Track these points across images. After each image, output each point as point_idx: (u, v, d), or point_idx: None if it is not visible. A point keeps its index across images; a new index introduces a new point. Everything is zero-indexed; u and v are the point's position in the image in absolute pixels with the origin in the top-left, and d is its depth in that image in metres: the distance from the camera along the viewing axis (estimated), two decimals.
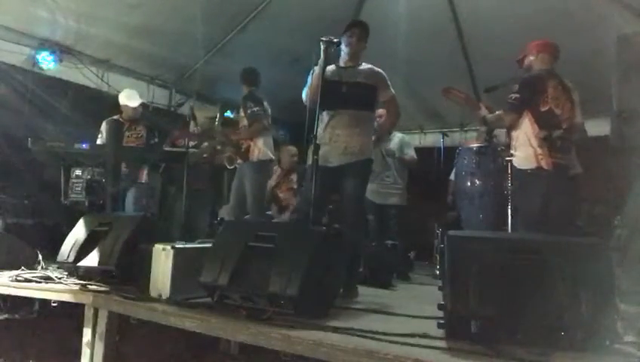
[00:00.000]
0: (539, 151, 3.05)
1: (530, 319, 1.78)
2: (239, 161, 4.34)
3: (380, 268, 3.82)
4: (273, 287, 2.05)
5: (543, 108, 3.09)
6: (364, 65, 3.18)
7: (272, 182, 5.15)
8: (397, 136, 5.01)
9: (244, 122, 4.32)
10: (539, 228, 3.03)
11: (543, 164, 3.04)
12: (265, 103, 4.32)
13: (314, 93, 2.97)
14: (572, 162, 3.14)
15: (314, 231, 2.38)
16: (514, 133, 3.23)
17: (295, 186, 5.30)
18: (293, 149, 5.35)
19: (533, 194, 3.09)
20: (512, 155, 3.28)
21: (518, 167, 3.20)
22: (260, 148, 4.25)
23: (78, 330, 2.50)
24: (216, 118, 4.82)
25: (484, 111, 3.42)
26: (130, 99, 4.64)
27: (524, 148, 3.13)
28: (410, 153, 5.01)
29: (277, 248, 2.19)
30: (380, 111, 3.64)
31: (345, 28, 3.10)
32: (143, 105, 4.86)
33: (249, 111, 4.22)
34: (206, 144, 4.93)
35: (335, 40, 3.00)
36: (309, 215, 2.68)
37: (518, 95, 3.14)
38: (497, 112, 3.35)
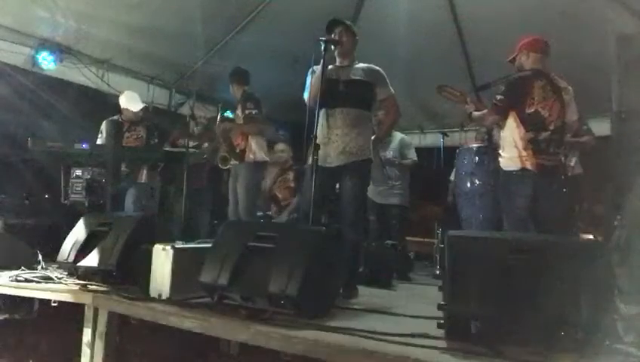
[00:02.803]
0: (523, 153, 3.04)
1: (530, 319, 1.78)
2: (233, 161, 4.34)
3: (380, 268, 3.82)
4: (273, 287, 2.05)
5: (529, 110, 3.07)
6: (361, 64, 3.17)
7: (269, 182, 5.16)
8: (397, 138, 4.98)
9: (240, 122, 4.34)
10: (525, 228, 3.02)
11: (528, 165, 3.03)
12: (261, 105, 4.32)
13: (314, 93, 2.98)
14: (560, 161, 3.10)
15: (314, 231, 2.38)
16: (502, 134, 3.23)
17: (292, 185, 5.30)
18: (280, 145, 5.36)
19: (518, 196, 3.08)
20: (500, 156, 3.28)
21: (504, 168, 3.19)
22: (254, 150, 4.26)
23: (78, 330, 2.50)
24: (216, 118, 4.80)
25: (470, 108, 3.41)
26: (131, 103, 4.60)
27: (509, 150, 3.13)
28: (411, 156, 4.98)
29: (277, 248, 2.19)
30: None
31: (326, 30, 3.06)
32: (144, 108, 4.85)
33: (247, 112, 4.23)
34: (206, 144, 4.93)
35: (335, 38, 3.01)
36: (309, 215, 2.68)
37: (502, 97, 3.13)
38: (483, 111, 3.34)
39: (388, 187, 4.81)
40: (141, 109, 4.67)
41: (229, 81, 4.47)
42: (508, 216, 3.23)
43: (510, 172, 3.13)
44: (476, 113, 3.38)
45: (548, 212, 3.03)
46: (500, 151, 3.25)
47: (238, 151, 4.28)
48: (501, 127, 3.22)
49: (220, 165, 4.44)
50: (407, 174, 4.99)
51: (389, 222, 4.86)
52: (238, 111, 4.37)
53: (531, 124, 3.05)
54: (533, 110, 3.06)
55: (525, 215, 3.06)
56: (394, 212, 4.85)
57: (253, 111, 4.21)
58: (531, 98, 3.06)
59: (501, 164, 3.22)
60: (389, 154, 4.89)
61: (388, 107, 3.30)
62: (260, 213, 4.94)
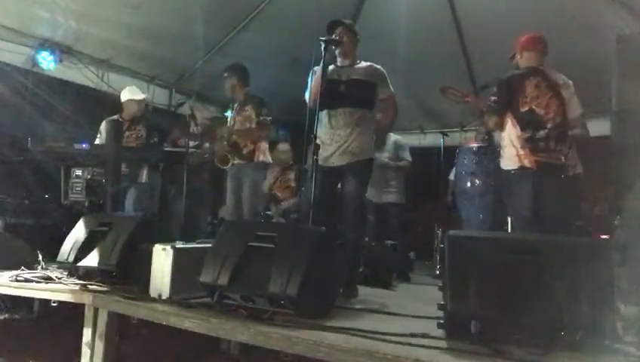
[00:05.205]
0: (520, 151, 3.04)
1: (529, 319, 1.78)
2: (236, 161, 4.29)
3: (380, 268, 3.82)
4: (273, 287, 2.05)
5: (523, 109, 3.06)
6: (363, 63, 3.17)
7: (269, 181, 5.16)
8: (391, 139, 4.96)
9: (248, 123, 4.19)
10: (532, 228, 3.01)
11: (526, 163, 3.02)
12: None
13: (315, 93, 2.98)
14: (562, 159, 3.05)
15: (314, 231, 2.38)
16: (502, 134, 3.23)
17: (293, 185, 5.30)
18: (282, 145, 5.36)
19: (519, 195, 3.07)
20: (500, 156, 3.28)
21: (504, 168, 3.19)
22: (264, 152, 4.25)
23: (78, 330, 2.50)
24: (216, 118, 4.80)
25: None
26: (133, 93, 4.63)
27: (508, 149, 3.13)
28: (405, 157, 4.98)
29: (277, 248, 2.19)
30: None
31: (327, 31, 3.04)
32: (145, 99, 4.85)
33: (261, 118, 4.12)
34: (207, 145, 4.92)
35: (335, 39, 3.01)
36: (309, 215, 2.68)
37: (495, 97, 3.13)
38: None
39: (384, 186, 4.81)
40: (143, 99, 4.68)
41: (227, 75, 4.26)
42: (513, 216, 3.23)
43: (509, 171, 3.13)
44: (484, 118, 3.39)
45: (551, 211, 3.02)
46: (501, 151, 3.25)
47: (245, 152, 4.23)
48: (498, 127, 3.23)
49: (219, 165, 4.40)
50: (403, 173, 4.98)
51: (388, 221, 4.86)
52: (245, 113, 4.21)
53: (527, 122, 3.04)
54: (527, 108, 3.05)
55: (529, 214, 3.04)
56: (391, 211, 4.86)
57: (268, 118, 4.13)
58: (524, 96, 3.06)
59: (501, 164, 3.22)
60: (384, 155, 4.87)
61: (387, 106, 3.28)
62: (261, 213, 4.94)
